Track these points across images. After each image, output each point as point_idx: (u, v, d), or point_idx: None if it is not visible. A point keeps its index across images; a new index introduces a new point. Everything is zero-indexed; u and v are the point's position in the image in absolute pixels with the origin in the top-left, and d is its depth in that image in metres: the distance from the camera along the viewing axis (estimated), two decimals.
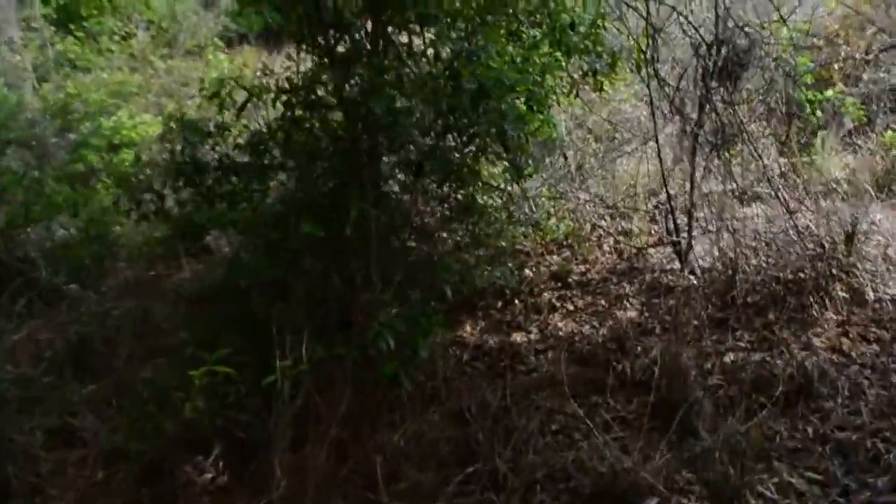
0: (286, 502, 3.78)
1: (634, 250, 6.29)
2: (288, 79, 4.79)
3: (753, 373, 4.36)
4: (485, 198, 6.51)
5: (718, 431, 3.97)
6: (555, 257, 6.78)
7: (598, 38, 5.24)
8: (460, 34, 5.16)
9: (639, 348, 4.95)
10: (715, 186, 5.88)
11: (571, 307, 5.86)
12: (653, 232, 6.58)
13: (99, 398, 4.92)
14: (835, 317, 4.88)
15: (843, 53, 8.80)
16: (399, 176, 5.32)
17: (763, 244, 5.48)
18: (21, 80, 9.73)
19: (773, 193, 5.20)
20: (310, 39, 4.96)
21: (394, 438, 4.17)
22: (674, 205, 5.82)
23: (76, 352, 5.33)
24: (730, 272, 5.34)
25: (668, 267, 6.05)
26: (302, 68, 5.00)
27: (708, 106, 4.96)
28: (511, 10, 5.23)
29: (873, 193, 7.13)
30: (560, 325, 5.67)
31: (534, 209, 7.07)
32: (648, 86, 5.27)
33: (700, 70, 4.90)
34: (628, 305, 5.65)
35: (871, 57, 8.94)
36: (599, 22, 5.18)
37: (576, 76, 5.42)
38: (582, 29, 5.22)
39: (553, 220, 7.04)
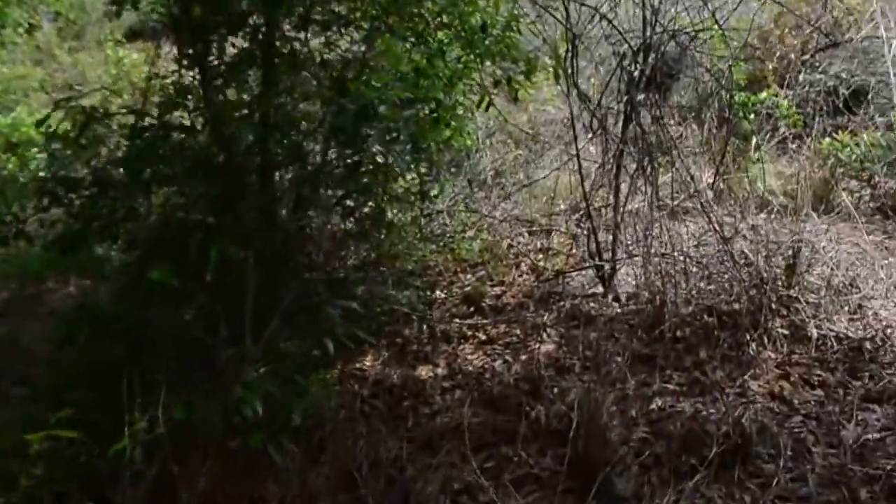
0: None
1: (553, 273, 5.73)
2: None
3: (684, 426, 3.83)
4: (395, 212, 5.96)
5: (644, 500, 3.46)
6: (469, 277, 6.20)
7: (513, 41, 4.65)
8: (357, 38, 4.58)
9: (555, 390, 4.38)
10: (642, 205, 5.34)
11: (484, 337, 5.29)
12: (575, 251, 6.03)
13: None
14: (774, 356, 4.39)
15: (777, 53, 8.38)
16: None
17: (694, 270, 4.97)
18: None
19: (704, 214, 4.66)
20: (185, 45, 4.32)
21: None
22: (596, 224, 5.28)
23: None
24: (657, 301, 4.82)
25: (591, 292, 5.52)
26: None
27: (633, 120, 4.43)
28: (416, 11, 4.64)
29: (811, 209, 6.74)
30: (470, 357, 5.09)
31: (447, 224, 6.51)
32: (568, 97, 4.71)
33: (625, 80, 4.36)
34: (545, 337, 5.09)
35: (807, 57, 8.56)
36: (514, 24, 4.60)
37: (487, 84, 4.84)
38: (495, 32, 4.65)
39: (469, 236, 6.49)
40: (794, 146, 8.17)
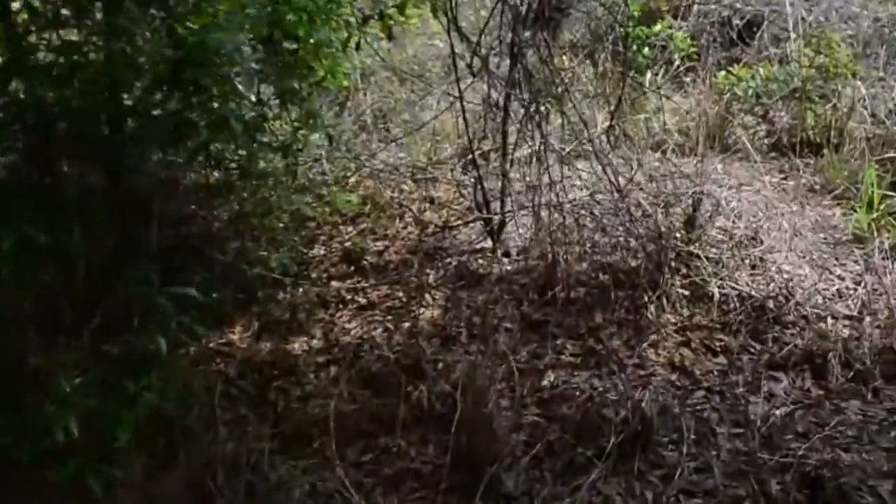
0: None
1: (438, 227, 5.26)
2: None
3: (579, 408, 3.45)
4: (268, 160, 5.38)
5: (536, 499, 3.08)
6: (350, 230, 5.67)
7: None
8: None
9: (439, 365, 3.96)
10: (533, 151, 4.88)
11: (364, 301, 4.80)
12: (463, 200, 5.55)
13: None
14: (674, 319, 4.05)
15: None
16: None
17: (588, 223, 4.56)
18: None
19: (598, 160, 4.23)
20: None
21: None
22: (484, 173, 4.81)
23: None
24: (549, 259, 4.40)
25: (480, 246, 5.07)
26: None
27: (519, 62, 3.93)
28: None
29: (708, 148, 6.43)
30: (349, 326, 4.60)
31: (325, 173, 5.94)
32: (449, 34, 4.17)
33: (510, 16, 3.85)
34: (430, 300, 4.64)
35: None
36: None
37: (354, 20, 4.24)
38: None
39: (351, 184, 5.95)
40: (689, 79, 7.86)
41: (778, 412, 3.42)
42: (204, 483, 3.26)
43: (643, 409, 3.21)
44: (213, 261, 4.58)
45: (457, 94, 4.39)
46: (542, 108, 4.15)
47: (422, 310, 4.57)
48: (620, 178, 4.36)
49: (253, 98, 4.01)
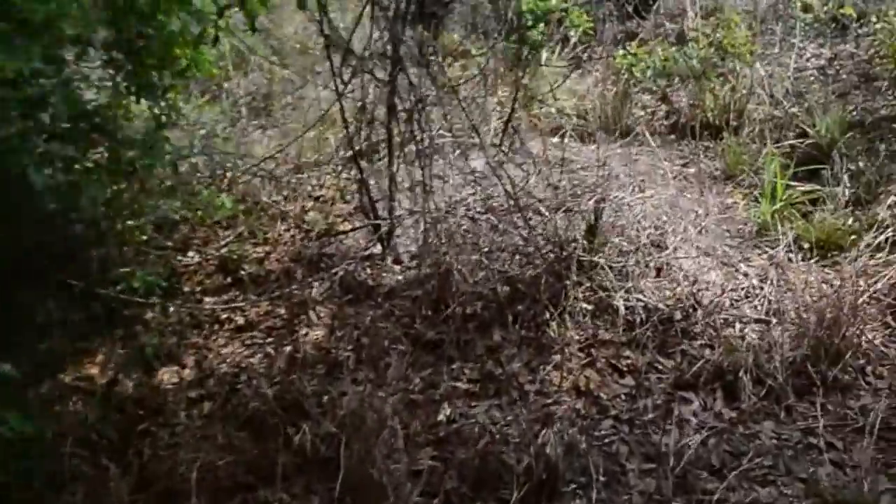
0: None
1: (322, 231, 4.84)
2: None
3: (479, 451, 3.13)
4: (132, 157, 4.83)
5: None
6: (228, 233, 5.20)
7: None
8: None
9: (324, 399, 3.58)
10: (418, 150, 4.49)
11: (242, 320, 4.37)
12: (351, 199, 5.14)
13: None
14: (577, 336, 3.76)
15: None
16: None
17: (483, 228, 4.23)
18: None
19: (490, 166, 3.89)
20: None
21: None
22: (368, 173, 4.41)
23: None
24: (442, 269, 4.06)
25: (370, 252, 4.68)
26: None
27: (400, 64, 3.53)
28: None
29: (607, 131, 6.18)
30: (225, 351, 4.18)
31: (199, 171, 5.42)
32: (322, 29, 3.72)
33: (385, 13, 3.44)
34: (314, 318, 4.24)
35: None
36: None
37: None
38: None
39: (229, 178, 5.46)
40: (586, 56, 7.59)
41: (690, 441, 3.16)
42: None
43: (547, 455, 2.91)
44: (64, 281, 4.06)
45: (336, 89, 3.93)
46: (422, 111, 3.74)
47: (305, 330, 4.18)
48: (516, 179, 4.02)
49: None
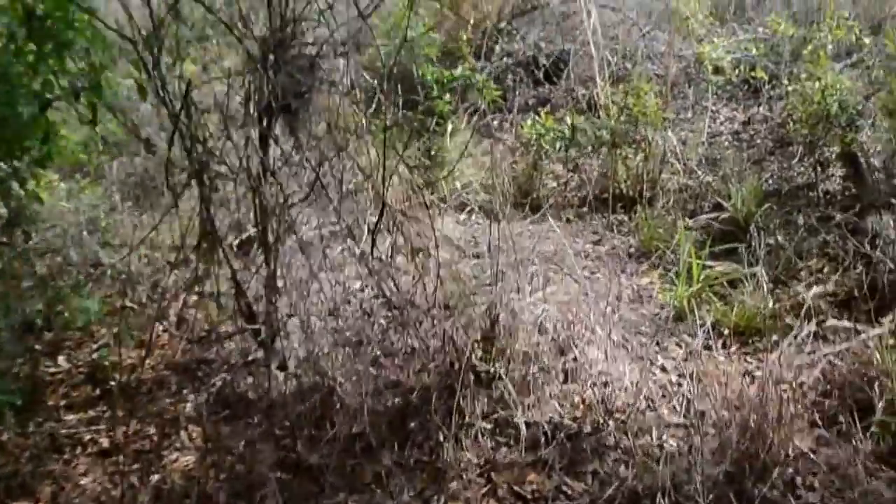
0: None
1: (203, 334, 4.36)
2: None
3: None
4: None
5: None
6: (103, 333, 4.68)
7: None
8: None
9: None
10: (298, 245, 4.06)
11: (107, 442, 3.85)
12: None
13: None
14: (476, 459, 3.33)
15: (472, 22, 7.39)
16: None
17: (372, 334, 3.80)
18: None
19: (366, 267, 3.47)
20: None
21: None
22: (243, 277, 3.95)
23: None
24: (325, 383, 3.62)
25: (252, 357, 4.21)
26: None
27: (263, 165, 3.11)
28: None
29: (514, 206, 5.85)
30: (84, 482, 3.64)
31: (71, 263, 4.91)
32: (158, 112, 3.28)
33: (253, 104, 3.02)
34: (186, 439, 3.75)
35: (504, 25, 7.66)
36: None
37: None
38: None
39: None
40: (496, 123, 7.31)
41: None
42: None
43: None
44: None
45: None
46: (286, 211, 3.33)
47: (175, 455, 3.67)
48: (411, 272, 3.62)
49: None
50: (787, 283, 4.73)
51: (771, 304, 4.42)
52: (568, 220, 5.78)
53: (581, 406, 3.60)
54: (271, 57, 2.88)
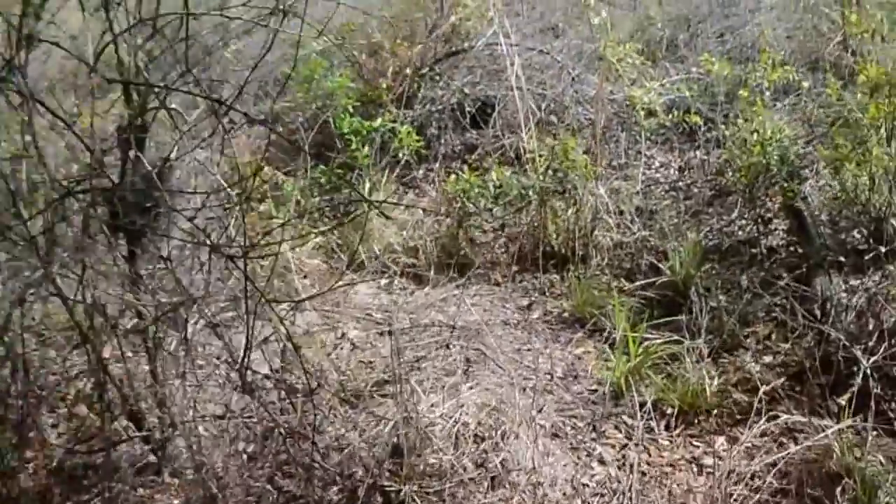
0: None
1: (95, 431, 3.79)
2: None
3: None
4: None
5: None
6: None
7: None
8: None
9: None
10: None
11: None
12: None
13: None
14: None
15: (391, 68, 6.96)
16: None
17: (267, 448, 3.29)
18: None
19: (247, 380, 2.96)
20: None
21: None
22: (132, 372, 3.43)
23: None
24: (207, 495, 3.09)
25: (146, 461, 3.66)
26: None
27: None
28: None
29: (438, 270, 5.39)
30: None
31: None
32: None
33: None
34: None
35: (426, 70, 7.23)
36: None
37: None
38: None
39: None
40: (420, 173, 6.87)
41: None
42: None
43: None
44: None
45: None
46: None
47: None
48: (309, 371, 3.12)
49: None
50: (732, 351, 4.33)
51: (716, 381, 4.02)
52: (496, 283, 5.33)
53: None
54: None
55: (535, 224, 5.56)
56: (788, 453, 3.31)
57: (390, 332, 3.47)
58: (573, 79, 6.96)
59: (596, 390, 4.18)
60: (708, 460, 3.71)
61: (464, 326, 4.50)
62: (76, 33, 3.03)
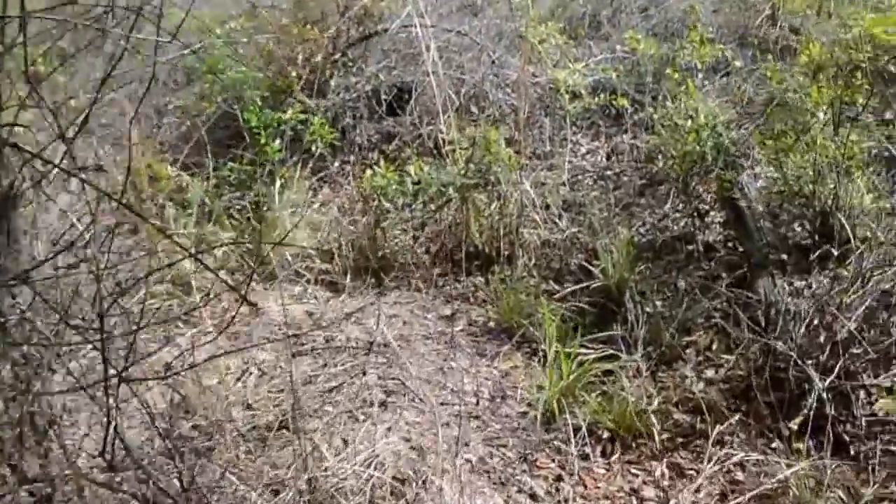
0: None
1: None
2: None
3: None
4: None
5: None
6: None
7: None
8: None
9: None
10: None
11: None
12: None
13: None
14: None
15: (301, 56, 6.44)
16: None
17: None
18: None
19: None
20: None
21: None
22: None
23: None
24: None
25: None
26: None
27: None
28: None
29: (356, 275, 4.97)
30: None
31: None
32: None
33: None
34: None
35: (339, 56, 6.74)
36: None
37: None
38: None
39: None
40: (336, 166, 6.41)
41: None
42: None
43: None
44: None
45: None
46: None
47: None
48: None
49: None
50: (672, 363, 4.02)
51: (656, 400, 3.69)
52: (417, 289, 4.93)
53: None
54: None
55: (458, 222, 5.16)
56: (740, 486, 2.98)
57: (292, 390, 3.01)
58: (493, 62, 6.54)
59: (526, 413, 3.82)
60: (648, 491, 3.39)
61: (382, 344, 4.09)
62: None
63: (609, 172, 5.86)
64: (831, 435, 3.15)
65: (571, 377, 3.80)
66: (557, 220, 5.18)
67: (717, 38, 6.16)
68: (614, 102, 5.99)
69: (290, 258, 5.06)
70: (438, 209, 5.15)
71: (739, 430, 3.50)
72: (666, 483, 3.34)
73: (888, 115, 4.65)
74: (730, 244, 4.64)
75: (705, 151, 4.63)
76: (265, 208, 5.47)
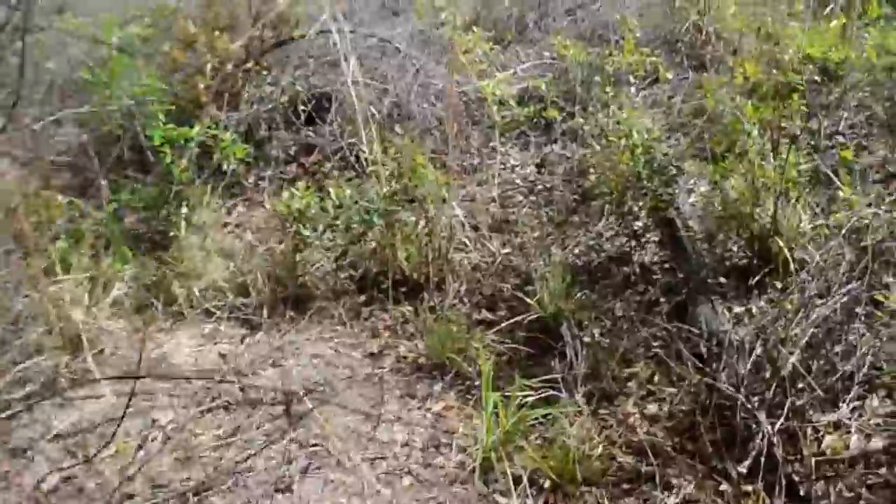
0: None
1: None
2: None
3: None
4: None
5: None
6: None
7: None
8: None
9: None
10: None
11: None
12: None
13: None
14: None
15: (210, 64, 6.02)
16: None
17: None
18: None
19: None
20: None
21: None
22: None
23: None
24: None
25: None
26: None
27: None
28: None
29: (272, 308, 4.63)
30: None
31: None
32: None
33: None
34: None
35: (252, 65, 6.34)
36: None
37: None
38: None
39: None
40: (251, 181, 6.03)
41: None
42: None
43: None
44: None
45: None
46: None
47: None
48: None
49: None
50: (614, 399, 3.78)
51: (599, 444, 3.45)
52: (342, 322, 4.61)
53: None
54: None
55: (383, 246, 4.84)
56: None
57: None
58: (417, 70, 6.24)
59: (464, 462, 3.54)
60: None
61: (305, 391, 3.77)
62: None
63: (540, 187, 5.62)
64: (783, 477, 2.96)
65: (509, 423, 3.52)
66: (488, 242, 4.91)
67: (643, 42, 5.97)
68: (543, 114, 5.77)
69: (198, 293, 4.68)
70: (362, 235, 4.81)
71: (686, 472, 3.28)
72: None
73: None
74: (667, 265, 4.44)
75: (640, 171, 4.42)
76: (171, 233, 5.07)
